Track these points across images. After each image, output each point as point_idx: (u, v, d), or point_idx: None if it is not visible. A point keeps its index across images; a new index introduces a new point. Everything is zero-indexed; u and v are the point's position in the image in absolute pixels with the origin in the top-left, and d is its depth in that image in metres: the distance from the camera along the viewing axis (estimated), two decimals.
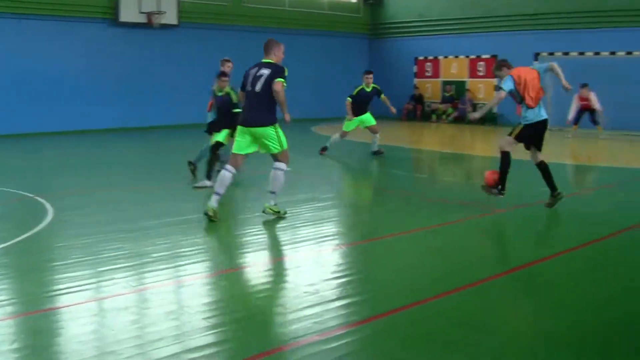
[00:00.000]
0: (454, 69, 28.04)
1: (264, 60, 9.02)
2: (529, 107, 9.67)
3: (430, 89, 28.86)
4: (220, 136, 11.77)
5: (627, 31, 22.57)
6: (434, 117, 28.03)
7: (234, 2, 26.24)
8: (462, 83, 27.59)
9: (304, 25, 28.61)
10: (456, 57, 27.92)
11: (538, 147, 9.91)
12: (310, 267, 7.14)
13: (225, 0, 26.01)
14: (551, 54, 23.32)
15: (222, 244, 8.17)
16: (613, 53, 21.74)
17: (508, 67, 10.14)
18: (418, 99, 28.86)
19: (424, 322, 5.45)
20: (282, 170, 9.12)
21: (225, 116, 11.77)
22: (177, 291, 6.22)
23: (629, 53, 21.49)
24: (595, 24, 23.36)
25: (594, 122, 20.52)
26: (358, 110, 15.90)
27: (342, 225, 9.55)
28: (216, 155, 11.63)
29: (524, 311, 5.85)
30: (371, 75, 16.15)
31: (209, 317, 5.44)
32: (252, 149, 9.13)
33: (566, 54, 22.82)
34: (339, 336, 5.08)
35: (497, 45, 26.24)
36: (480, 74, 27.03)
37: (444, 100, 27.86)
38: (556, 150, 16.60)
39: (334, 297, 5.98)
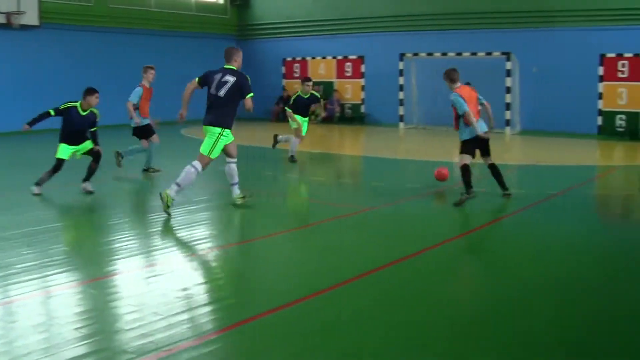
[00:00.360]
0: (322, 70, 28.39)
1: (226, 67, 9.89)
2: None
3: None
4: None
5: (485, 33, 23.58)
6: None
7: (98, 3, 25.57)
8: (330, 84, 27.97)
9: (171, 26, 28.25)
10: (324, 58, 28.29)
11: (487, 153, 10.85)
12: (183, 271, 7.09)
13: (89, 1, 25.31)
14: (416, 54, 24.08)
15: (91, 251, 7.95)
16: (474, 54, 22.63)
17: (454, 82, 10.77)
18: (287, 101, 28.99)
19: (299, 321, 5.53)
20: (195, 169, 9.57)
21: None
22: (46, 302, 6.03)
23: (489, 54, 22.44)
24: (458, 26, 24.29)
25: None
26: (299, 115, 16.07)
27: (215, 228, 9.54)
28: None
29: (389, 307, 6.01)
30: (310, 83, 16.31)
31: (80, 328, 5.32)
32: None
33: (430, 54, 23.60)
34: (214, 340, 5.09)
35: (364, 46, 26.83)
36: (348, 74, 27.49)
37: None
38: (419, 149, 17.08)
39: (208, 300, 5.98)
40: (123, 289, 6.48)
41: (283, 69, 29.54)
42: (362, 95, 26.95)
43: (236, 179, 10.25)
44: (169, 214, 9.35)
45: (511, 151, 18.60)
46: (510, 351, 4.96)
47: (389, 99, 24.54)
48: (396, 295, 6.21)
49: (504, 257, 7.69)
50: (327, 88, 27.92)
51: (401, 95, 23.83)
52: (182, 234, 8.67)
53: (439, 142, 19.49)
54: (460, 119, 10.46)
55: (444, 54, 23.15)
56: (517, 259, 7.54)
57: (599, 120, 21.83)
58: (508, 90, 22.34)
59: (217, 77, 9.94)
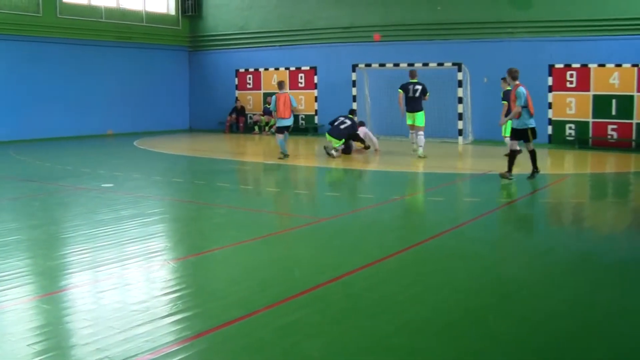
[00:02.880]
0: (275, 81, 28.37)
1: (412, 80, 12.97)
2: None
3: (252, 101, 29.06)
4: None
5: (436, 44, 23.86)
6: (256, 128, 28.21)
7: (47, 13, 25.22)
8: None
9: (122, 37, 28.00)
10: (276, 69, 28.28)
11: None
12: (139, 284, 7.00)
13: (37, 11, 24.96)
14: (368, 65, 24.20)
15: (45, 265, 7.78)
16: (426, 64, 22.83)
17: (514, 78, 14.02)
18: (240, 111, 28.96)
19: (257, 333, 5.49)
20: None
21: None
22: None
23: (440, 64, 22.66)
24: (409, 37, 24.52)
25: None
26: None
27: (170, 240, 9.44)
28: None
29: (349, 316, 6.01)
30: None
31: (33, 344, 5.20)
32: None
33: (382, 65, 23.75)
34: (173, 353, 5.03)
35: (317, 57, 26.90)
36: (301, 85, 27.52)
37: (265, 112, 28.09)
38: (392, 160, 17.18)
39: (165, 313, 5.91)
40: (77, 303, 6.36)
41: (236, 80, 29.45)
42: (316, 106, 26.99)
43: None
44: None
45: (463, 160, 18.78)
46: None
47: (343, 109, 24.61)
48: (355, 306, 6.21)
49: (461, 265, 7.74)
50: None
51: (354, 106, 23.90)
52: (137, 246, 8.56)
53: (391, 153, 19.57)
54: (524, 110, 13.50)
55: (396, 65, 23.31)
56: (473, 267, 7.59)
57: (549, 130, 22.21)
58: (460, 100, 22.56)
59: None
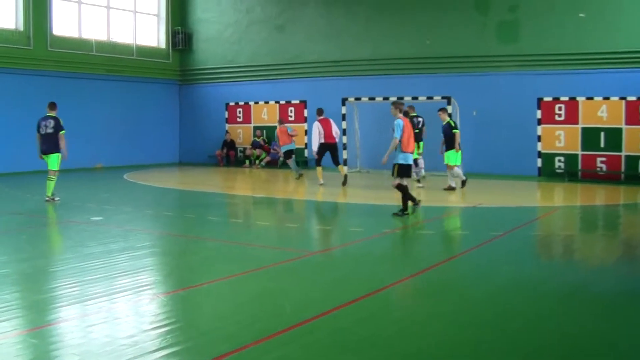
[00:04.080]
0: (265, 114, 28.48)
1: None
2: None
3: (242, 134, 29.13)
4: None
5: (426, 77, 24.07)
6: (247, 162, 28.24)
7: (37, 46, 25.31)
8: (274, 128, 28.03)
9: (112, 70, 28.10)
10: (266, 102, 28.38)
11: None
12: (128, 318, 6.93)
13: (28, 44, 25.04)
14: (358, 99, 24.28)
15: (33, 299, 7.71)
16: (415, 98, 22.95)
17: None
18: (230, 145, 28.99)
19: None
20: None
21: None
22: None
23: (430, 98, 22.78)
24: (399, 71, 24.74)
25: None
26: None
27: (160, 274, 9.39)
28: None
29: (335, 352, 5.96)
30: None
31: None
32: None
33: (372, 98, 23.84)
34: None
35: (307, 90, 27.05)
36: (291, 118, 27.60)
37: (254, 145, 28.14)
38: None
39: (154, 347, 5.85)
40: (66, 338, 6.29)
41: (226, 114, 29.54)
42: (306, 139, 27.05)
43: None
44: None
45: (453, 193, 18.81)
46: None
47: None
48: (346, 342, 6.17)
49: (452, 299, 7.71)
50: (270, 132, 28.00)
51: (344, 139, 23.96)
52: (127, 280, 8.50)
53: (381, 187, 19.60)
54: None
55: (386, 98, 23.34)
56: (465, 301, 7.57)
57: (539, 162, 22.35)
58: None
59: None
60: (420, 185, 19.24)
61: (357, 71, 25.84)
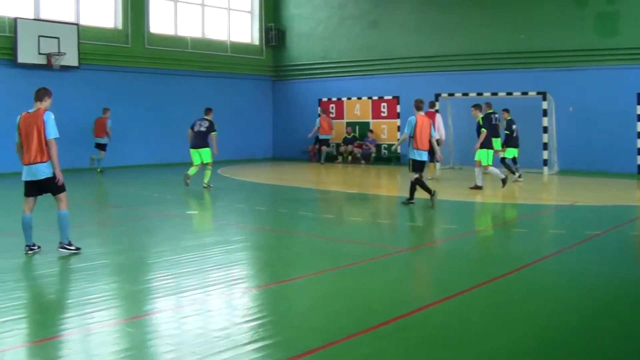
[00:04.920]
0: (358, 110, 28.45)
1: None
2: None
3: (335, 130, 29.17)
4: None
5: (520, 72, 23.55)
6: (339, 158, 28.25)
7: (135, 44, 25.99)
8: (366, 124, 28.00)
9: (207, 67, 28.58)
10: (359, 98, 28.35)
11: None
12: (221, 311, 7.02)
13: (126, 42, 25.73)
14: (451, 94, 24.01)
15: (130, 290, 7.91)
16: (510, 93, 22.52)
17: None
18: (323, 141, 29.03)
19: None
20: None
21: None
22: (85, 340, 5.99)
23: (524, 93, 22.31)
24: (493, 66, 24.27)
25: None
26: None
27: (252, 268, 9.47)
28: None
29: (427, 348, 5.88)
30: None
31: None
32: None
33: (466, 94, 23.52)
34: None
35: (399, 86, 26.88)
36: (384, 115, 27.50)
37: (346, 142, 28.12)
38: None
39: (246, 340, 5.90)
40: (161, 328, 6.42)
41: (319, 110, 29.65)
42: (398, 135, 26.87)
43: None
44: None
45: (549, 191, 18.37)
46: None
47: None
48: (438, 339, 6.08)
49: (546, 301, 7.50)
50: (363, 128, 27.96)
51: (437, 135, 23.71)
52: (220, 273, 8.61)
53: (471, 183, 19.30)
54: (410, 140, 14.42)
55: (480, 94, 23.01)
56: (560, 302, 7.36)
57: (639, 160, 21.55)
58: (545, 130, 22.14)
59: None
60: (520, 179, 19.24)
61: (450, 66, 25.51)
